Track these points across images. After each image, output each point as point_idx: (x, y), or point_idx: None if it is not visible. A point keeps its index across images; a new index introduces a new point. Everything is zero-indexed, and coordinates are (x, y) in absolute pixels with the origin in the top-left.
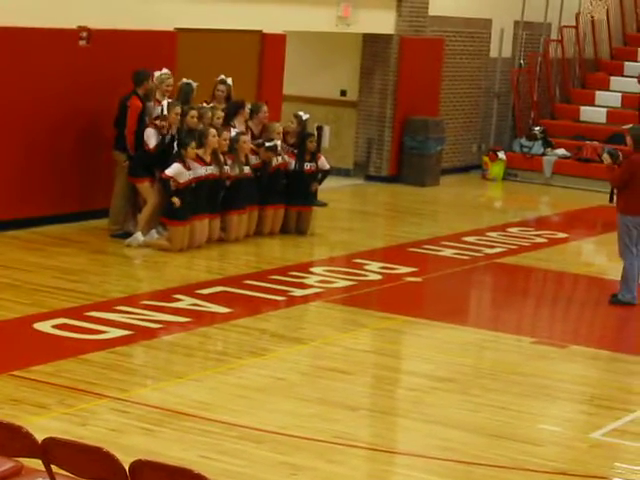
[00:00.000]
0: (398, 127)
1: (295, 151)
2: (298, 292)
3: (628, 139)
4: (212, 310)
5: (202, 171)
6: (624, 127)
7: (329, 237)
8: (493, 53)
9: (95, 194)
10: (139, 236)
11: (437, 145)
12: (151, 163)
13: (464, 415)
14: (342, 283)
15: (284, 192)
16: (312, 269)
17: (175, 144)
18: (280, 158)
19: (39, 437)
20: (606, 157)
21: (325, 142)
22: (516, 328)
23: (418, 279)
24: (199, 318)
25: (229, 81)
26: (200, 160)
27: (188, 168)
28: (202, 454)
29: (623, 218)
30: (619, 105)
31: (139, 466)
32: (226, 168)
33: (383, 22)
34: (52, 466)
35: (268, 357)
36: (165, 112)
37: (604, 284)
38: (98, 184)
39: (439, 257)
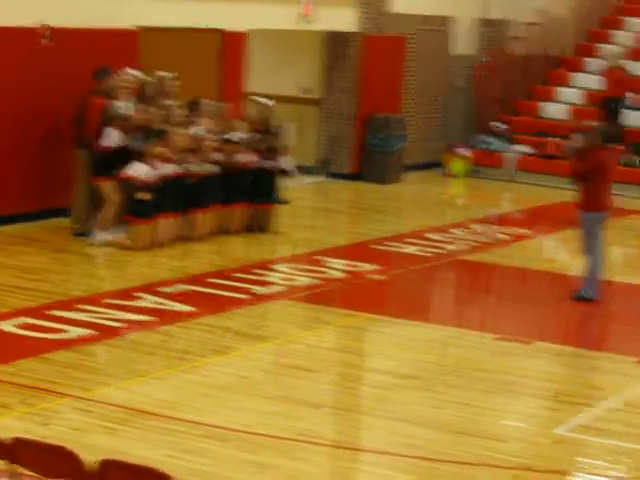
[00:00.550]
0: (360, 125)
1: (261, 148)
2: (261, 290)
3: (591, 137)
4: (175, 309)
5: (167, 169)
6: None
7: (292, 235)
8: (454, 50)
9: (57, 193)
10: (101, 234)
11: (399, 142)
12: (111, 163)
13: (428, 412)
14: (305, 281)
15: (248, 190)
16: (275, 267)
17: (138, 142)
18: (244, 156)
19: (0, 437)
20: (577, 138)
21: (289, 140)
22: (479, 325)
23: (381, 276)
24: (162, 317)
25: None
26: (164, 158)
27: (152, 166)
28: (167, 453)
29: (584, 214)
30: (580, 101)
31: (104, 465)
32: (190, 166)
33: (344, 20)
34: (16, 466)
35: (232, 355)
36: (128, 112)
37: (567, 280)
38: (60, 183)
39: (402, 254)
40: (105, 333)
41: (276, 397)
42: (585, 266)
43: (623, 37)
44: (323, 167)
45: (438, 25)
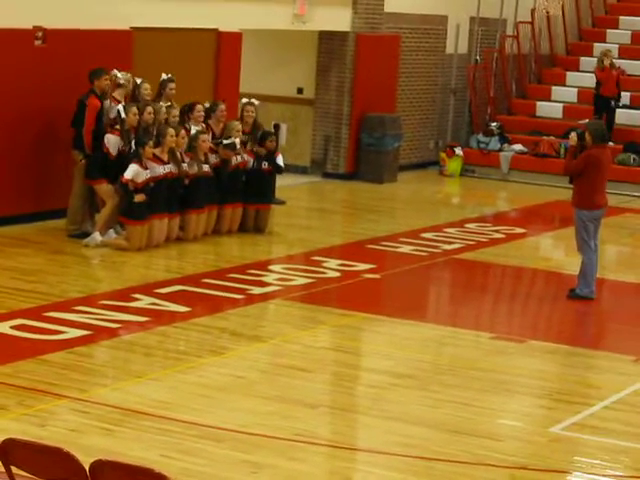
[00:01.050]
0: (355, 124)
1: (254, 149)
2: (257, 290)
3: (586, 135)
4: (171, 309)
5: (160, 170)
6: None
7: (287, 235)
8: (449, 49)
9: (53, 194)
10: (97, 236)
11: (394, 142)
12: (110, 166)
13: (424, 411)
14: (301, 281)
15: (243, 191)
16: (271, 267)
17: (133, 143)
18: (239, 157)
19: None
20: (573, 136)
21: (283, 140)
22: (475, 324)
23: (376, 276)
24: (158, 317)
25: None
26: (157, 159)
27: (145, 167)
28: (162, 453)
29: (579, 213)
30: (575, 100)
31: (99, 466)
32: (184, 166)
33: (339, 19)
34: (12, 467)
35: (228, 356)
36: (123, 116)
37: (562, 279)
38: (56, 184)
39: (397, 254)
40: (102, 334)
41: (272, 397)
42: (580, 264)
43: (618, 36)
44: (318, 167)
45: (433, 24)
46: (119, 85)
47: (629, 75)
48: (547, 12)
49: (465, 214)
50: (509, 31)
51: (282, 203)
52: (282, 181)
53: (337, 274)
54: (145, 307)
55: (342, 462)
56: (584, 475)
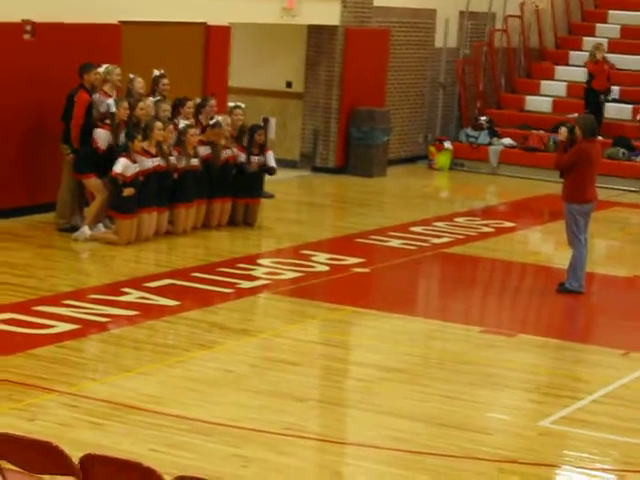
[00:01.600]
0: (344, 118)
1: (244, 144)
2: (246, 284)
3: (577, 129)
4: (160, 303)
5: (148, 163)
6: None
7: (276, 229)
8: (438, 43)
9: (42, 188)
10: (86, 230)
11: (383, 136)
12: (99, 161)
13: (413, 405)
14: (290, 275)
15: (232, 185)
16: (260, 261)
17: (122, 136)
18: (229, 151)
19: None
20: (563, 130)
21: (272, 134)
22: (464, 317)
23: (366, 270)
24: (147, 311)
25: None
26: (146, 153)
27: (134, 161)
28: (152, 447)
29: (569, 206)
30: (564, 94)
31: (89, 460)
32: (172, 160)
33: (328, 13)
34: (1, 461)
35: (217, 350)
36: (114, 110)
37: (551, 273)
38: (45, 178)
39: (386, 248)
40: (91, 328)
41: (262, 391)
42: (570, 258)
43: (607, 30)
44: (307, 161)
45: (422, 18)
46: (107, 80)
47: (618, 69)
48: (536, 6)
49: (454, 208)
50: (498, 25)
51: (271, 197)
52: (271, 175)
53: (326, 268)
54: (134, 301)
55: (331, 456)
56: (573, 469)
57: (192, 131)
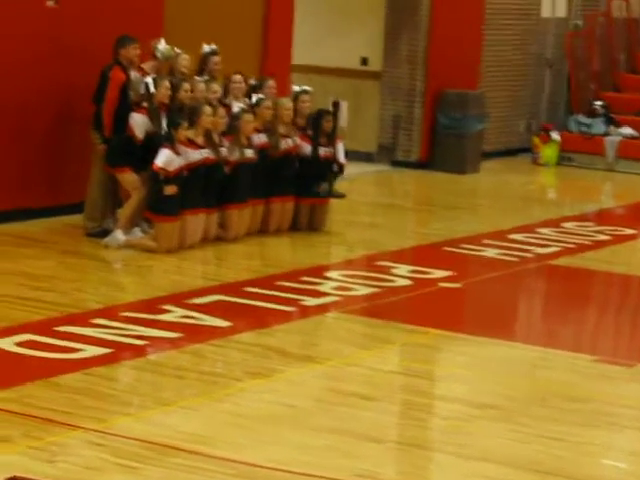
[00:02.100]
0: (430, 102)
1: (309, 133)
2: (311, 301)
3: None
4: (207, 323)
5: (195, 156)
6: None
7: (348, 235)
8: (545, 12)
9: (67, 184)
10: (119, 235)
11: (477, 124)
12: (135, 151)
13: (510, 448)
14: (364, 290)
15: (294, 181)
16: (328, 273)
17: (164, 123)
18: (290, 141)
19: (1, 476)
20: None
21: (343, 121)
22: (573, 344)
23: (455, 285)
24: (191, 333)
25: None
26: (192, 143)
27: (178, 153)
28: None
29: None
30: None
31: None
32: (224, 152)
33: None
34: None
35: (274, 379)
36: (152, 90)
37: None
38: (71, 172)
39: (480, 258)
40: (124, 353)
41: (328, 430)
42: None
43: None
44: (386, 154)
45: None
46: (154, 57)
47: None
48: None
49: (562, 211)
50: None
51: (342, 197)
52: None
53: (408, 282)
54: (176, 321)
55: None
56: None
57: (247, 117)
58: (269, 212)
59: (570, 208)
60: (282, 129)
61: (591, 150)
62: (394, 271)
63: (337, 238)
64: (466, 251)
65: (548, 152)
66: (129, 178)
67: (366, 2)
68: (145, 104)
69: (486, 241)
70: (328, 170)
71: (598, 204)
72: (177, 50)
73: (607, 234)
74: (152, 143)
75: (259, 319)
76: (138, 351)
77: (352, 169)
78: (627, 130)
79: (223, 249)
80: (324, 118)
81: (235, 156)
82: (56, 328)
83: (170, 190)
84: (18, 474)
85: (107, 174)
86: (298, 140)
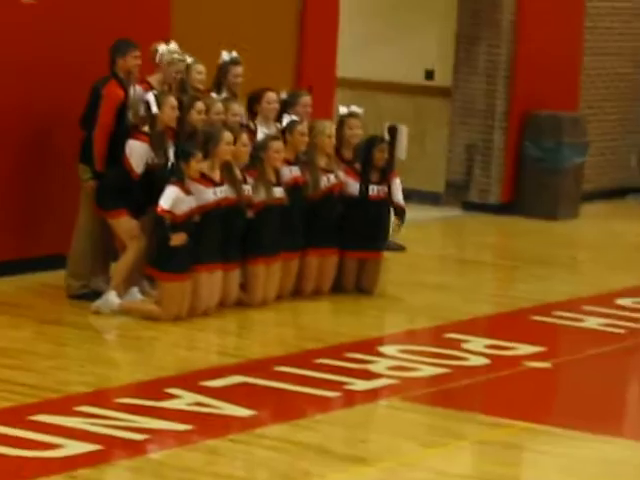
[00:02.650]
0: (514, 127)
1: (356, 167)
2: (359, 385)
3: None
4: (225, 413)
5: (209, 196)
6: None
7: (408, 299)
8: None
9: (46, 232)
10: (113, 297)
11: (576, 156)
12: (133, 190)
13: None
14: (428, 371)
15: (338, 230)
16: (381, 349)
17: (171, 153)
18: (332, 177)
19: None
20: None
21: (401, 152)
22: None
23: (546, 365)
24: (204, 425)
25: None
26: (206, 179)
27: (189, 192)
28: None
29: None
30: None
31: None
32: (247, 190)
33: None
34: None
35: None
36: (155, 110)
37: None
38: (51, 217)
39: (579, 330)
40: (118, 450)
41: None
42: None
43: None
44: (456, 194)
45: None
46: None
47: None
48: None
49: None
50: None
51: (401, 249)
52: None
53: (484, 361)
54: (185, 409)
55: None
56: None
57: (276, 145)
58: (305, 268)
59: None
60: (322, 162)
61: None
62: (467, 346)
63: (393, 303)
64: (560, 320)
65: None
66: (125, 224)
67: (432, 1)
68: (146, 128)
69: (586, 307)
70: (382, 214)
71: None
72: (189, 58)
73: None
74: (155, 179)
75: (292, 408)
76: (135, 448)
77: (413, 214)
78: None
79: (246, 316)
80: (377, 148)
81: (261, 196)
82: (31, 417)
83: (178, 240)
84: None
85: (97, 219)
86: (343, 176)
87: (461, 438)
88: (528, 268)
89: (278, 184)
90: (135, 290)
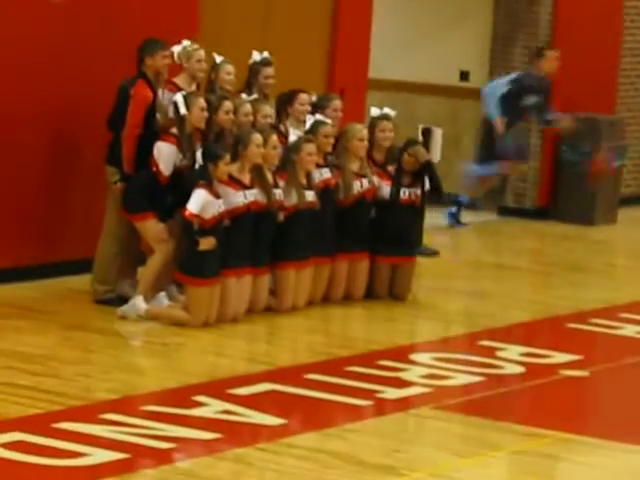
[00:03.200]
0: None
1: (389, 170)
2: (391, 393)
3: None
4: (254, 421)
5: (239, 199)
6: None
7: (441, 305)
8: None
9: (71, 237)
10: (140, 302)
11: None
12: (161, 193)
13: None
14: (462, 379)
15: (370, 234)
16: (414, 356)
17: (198, 155)
18: (365, 182)
19: None
20: None
21: (436, 154)
22: None
23: (583, 373)
24: (233, 434)
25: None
26: (235, 182)
27: (217, 195)
28: None
29: None
30: None
31: None
32: (277, 194)
33: None
34: None
35: None
36: (183, 111)
37: None
38: (78, 220)
39: (617, 338)
40: (144, 459)
41: None
42: None
43: None
44: (492, 199)
45: None
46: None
47: None
48: None
49: None
50: None
51: (434, 254)
52: (434, 220)
53: (520, 369)
54: (213, 417)
55: None
56: None
57: (309, 147)
58: (336, 274)
59: None
60: (355, 166)
61: None
62: (502, 354)
63: (427, 310)
64: (597, 328)
65: None
66: (153, 228)
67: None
68: (174, 130)
69: (624, 315)
70: (415, 219)
71: None
72: (218, 57)
73: None
74: (183, 182)
75: (322, 416)
76: (162, 457)
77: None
78: None
79: (276, 323)
80: (408, 149)
81: (292, 200)
82: (56, 425)
83: (206, 244)
84: None
85: (125, 222)
86: (376, 180)
87: (496, 448)
88: (564, 274)
89: (309, 187)
90: (162, 295)
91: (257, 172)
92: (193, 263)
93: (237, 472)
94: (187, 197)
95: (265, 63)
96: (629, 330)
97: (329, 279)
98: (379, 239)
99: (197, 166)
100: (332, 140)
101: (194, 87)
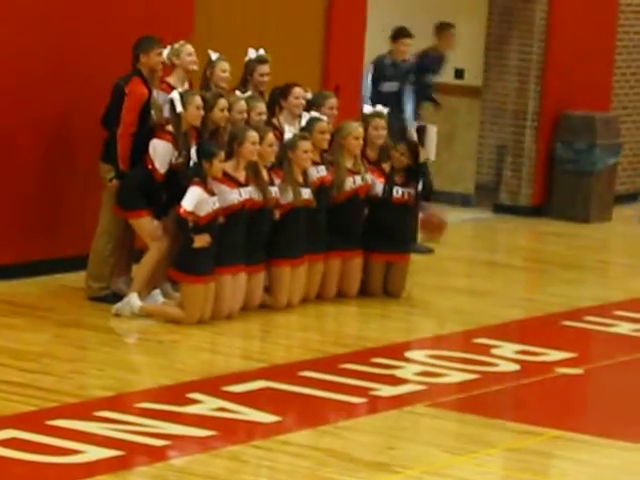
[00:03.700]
0: (546, 128)
1: (383, 167)
2: (386, 391)
3: None
4: (249, 418)
5: (234, 197)
6: None
7: (436, 303)
8: None
9: (67, 233)
10: (134, 300)
11: (608, 157)
12: (156, 190)
13: None
14: (456, 377)
15: (364, 232)
16: (408, 354)
17: (193, 152)
18: (358, 179)
19: None
20: None
21: (431, 152)
22: None
23: (577, 371)
24: (228, 431)
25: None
26: (230, 179)
27: (212, 193)
28: None
29: None
30: None
31: None
32: (273, 191)
33: None
34: None
35: None
36: (179, 109)
37: None
38: (72, 218)
39: (611, 336)
40: (139, 456)
41: None
42: None
43: None
44: (486, 196)
45: None
46: (173, 64)
47: None
48: None
49: None
50: None
51: (428, 252)
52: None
53: (514, 367)
54: (208, 414)
55: None
56: None
57: (304, 145)
58: (330, 271)
59: None
60: (349, 163)
61: None
62: (496, 352)
63: (421, 307)
64: (591, 326)
65: None
66: (147, 225)
67: None
68: (170, 128)
69: (619, 312)
70: (408, 216)
71: None
72: (213, 54)
73: None
74: (178, 179)
75: (317, 413)
76: (157, 454)
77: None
78: None
79: (270, 320)
80: (395, 149)
81: (288, 197)
82: (50, 423)
83: (201, 241)
84: None
85: (120, 220)
86: (370, 178)
87: (490, 446)
88: (559, 272)
89: (306, 185)
90: (157, 292)
91: (253, 169)
92: (188, 260)
93: (232, 469)
94: (182, 195)
95: (261, 60)
96: (624, 328)
97: (323, 276)
98: (373, 236)
99: (192, 163)
100: (328, 136)
101: (187, 85)
